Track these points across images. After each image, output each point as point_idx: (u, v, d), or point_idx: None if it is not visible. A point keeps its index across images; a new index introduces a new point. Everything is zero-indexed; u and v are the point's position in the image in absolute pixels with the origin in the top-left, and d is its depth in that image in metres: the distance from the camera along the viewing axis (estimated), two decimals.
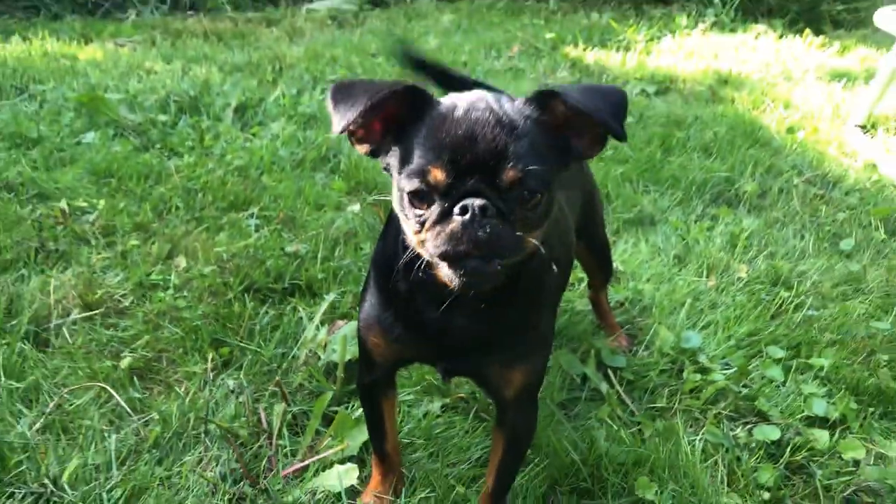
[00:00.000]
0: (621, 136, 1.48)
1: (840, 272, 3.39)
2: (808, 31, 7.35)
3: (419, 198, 1.46)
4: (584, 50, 6.67)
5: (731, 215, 3.88)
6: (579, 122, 1.52)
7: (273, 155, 4.15)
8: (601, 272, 2.85)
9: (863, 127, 5.15)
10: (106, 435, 2.32)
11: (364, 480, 2.21)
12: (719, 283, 3.27)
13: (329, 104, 1.51)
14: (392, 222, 1.74)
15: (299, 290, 3.03)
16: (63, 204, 3.48)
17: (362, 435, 2.29)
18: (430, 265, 1.52)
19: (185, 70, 5.58)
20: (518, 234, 1.45)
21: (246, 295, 2.95)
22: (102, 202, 3.54)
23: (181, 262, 3.17)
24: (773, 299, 3.15)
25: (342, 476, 2.08)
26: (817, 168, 4.49)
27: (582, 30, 7.25)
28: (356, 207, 3.71)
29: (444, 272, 1.47)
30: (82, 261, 3.13)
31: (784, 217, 3.92)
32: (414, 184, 1.45)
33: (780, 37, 7.31)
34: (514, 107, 1.51)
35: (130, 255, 3.20)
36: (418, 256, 1.53)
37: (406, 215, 1.51)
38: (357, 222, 3.53)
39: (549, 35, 6.97)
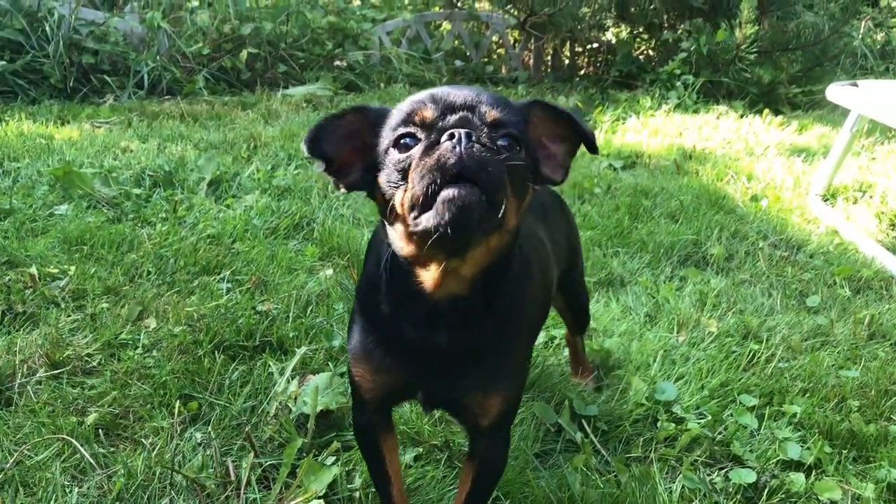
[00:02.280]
0: (593, 143, 1.59)
1: (808, 326, 3.43)
2: (767, 111, 7.64)
3: (404, 145, 1.48)
4: None
5: (699, 276, 3.94)
6: (550, 143, 1.63)
7: (246, 224, 4.18)
8: (577, 322, 2.88)
9: (823, 197, 5.29)
10: (67, 490, 2.25)
11: None
12: (690, 338, 3.30)
13: (304, 149, 1.59)
14: (373, 248, 1.77)
15: (270, 347, 3.01)
16: (33, 269, 3.46)
17: (328, 475, 2.26)
18: (412, 261, 1.53)
19: (160, 148, 5.65)
20: (504, 162, 1.42)
21: (216, 352, 2.92)
22: (73, 268, 3.52)
23: (151, 322, 3.15)
24: (744, 352, 3.17)
25: None
26: (781, 233, 4.59)
27: None
28: (329, 272, 3.72)
29: (427, 219, 1.39)
30: (50, 322, 3.09)
31: (751, 277, 3.98)
32: (399, 130, 1.50)
33: (741, 116, 7.59)
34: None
35: (100, 317, 3.17)
36: (400, 268, 1.56)
37: (390, 182, 1.49)
38: (330, 284, 3.54)
39: None
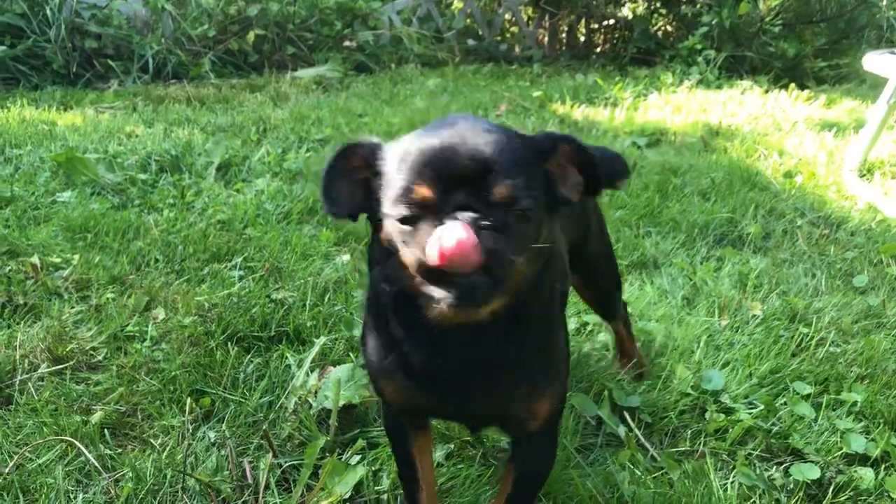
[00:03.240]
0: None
1: (858, 308, 3.22)
2: (792, 85, 7.39)
3: (406, 218, 1.32)
4: (572, 107, 6.64)
5: (737, 256, 3.73)
6: (571, 171, 1.48)
7: (258, 208, 3.99)
8: (600, 306, 2.65)
9: (859, 172, 5.06)
10: (72, 495, 2.07)
11: None
12: (733, 322, 3.09)
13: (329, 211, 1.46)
14: (375, 261, 1.58)
15: (287, 338, 2.82)
16: (35, 259, 3.28)
17: (354, 477, 2.07)
18: (418, 296, 1.36)
19: (167, 133, 5.46)
20: (512, 244, 1.30)
21: (229, 343, 2.73)
22: (77, 257, 3.34)
23: (159, 313, 2.96)
24: (793, 336, 2.96)
25: None
26: (819, 210, 4.36)
27: (568, 89, 7.24)
28: (346, 257, 3.52)
29: (434, 292, 1.31)
30: (53, 314, 2.91)
31: (792, 257, 3.77)
32: (400, 210, 1.32)
33: (766, 92, 7.34)
34: (495, 125, 1.42)
35: (105, 308, 2.99)
36: (406, 295, 1.40)
37: (395, 245, 1.35)
38: (347, 270, 3.34)
39: (535, 94, 6.96)
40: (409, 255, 1.32)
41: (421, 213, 1.30)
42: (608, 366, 2.76)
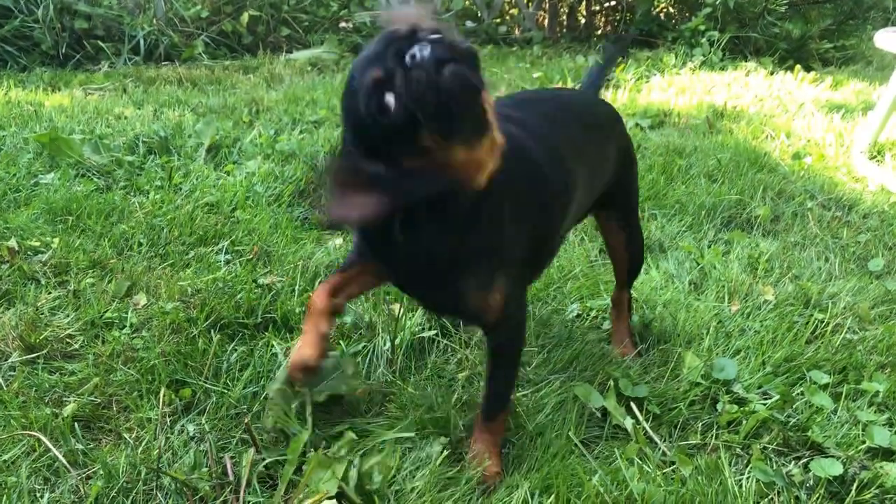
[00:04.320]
0: None
1: (875, 293, 3.07)
2: (798, 67, 7.22)
3: None
4: (574, 87, 6.47)
5: (746, 239, 3.58)
6: None
7: (248, 190, 3.83)
8: (629, 264, 2.62)
9: (869, 154, 4.90)
10: (38, 494, 1.93)
11: None
12: (743, 308, 2.94)
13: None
14: None
15: (274, 325, 2.67)
16: (12, 242, 3.13)
17: (339, 469, 1.93)
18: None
19: (156, 114, 5.30)
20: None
21: (212, 331, 2.58)
22: (57, 240, 3.19)
23: (141, 299, 2.81)
24: (808, 322, 2.81)
25: None
26: (829, 192, 4.21)
27: (569, 70, 7.07)
28: (339, 241, 3.37)
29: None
30: (28, 300, 2.76)
31: (803, 240, 3.62)
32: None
33: (771, 73, 7.17)
34: None
35: (84, 293, 2.84)
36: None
37: None
38: (340, 254, 3.19)
39: (536, 75, 6.80)
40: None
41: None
42: (614, 353, 2.62)
